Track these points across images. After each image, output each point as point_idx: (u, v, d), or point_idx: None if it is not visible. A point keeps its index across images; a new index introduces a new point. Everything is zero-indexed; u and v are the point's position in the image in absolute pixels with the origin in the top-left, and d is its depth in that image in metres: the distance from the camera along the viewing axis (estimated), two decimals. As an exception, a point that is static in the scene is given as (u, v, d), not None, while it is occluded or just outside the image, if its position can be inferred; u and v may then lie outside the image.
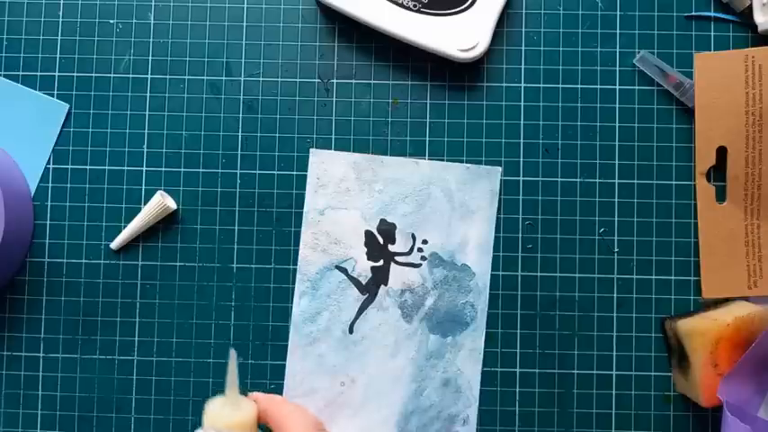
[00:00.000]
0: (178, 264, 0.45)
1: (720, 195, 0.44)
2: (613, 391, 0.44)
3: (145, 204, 0.44)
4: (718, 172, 0.44)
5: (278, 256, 0.45)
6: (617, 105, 0.45)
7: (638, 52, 0.45)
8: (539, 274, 0.44)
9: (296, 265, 0.44)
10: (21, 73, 0.45)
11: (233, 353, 0.39)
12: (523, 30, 0.45)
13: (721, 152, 0.44)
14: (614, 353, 0.44)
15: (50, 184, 0.45)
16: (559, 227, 0.45)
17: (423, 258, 0.44)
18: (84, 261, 0.45)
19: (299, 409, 0.39)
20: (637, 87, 0.45)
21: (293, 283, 0.44)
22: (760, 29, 0.44)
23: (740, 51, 0.43)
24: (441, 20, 0.43)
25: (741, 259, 0.43)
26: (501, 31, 0.45)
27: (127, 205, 0.45)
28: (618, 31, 0.45)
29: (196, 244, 0.45)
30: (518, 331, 0.44)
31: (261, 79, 0.45)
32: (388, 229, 0.44)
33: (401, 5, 0.43)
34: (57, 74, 0.45)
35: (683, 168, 0.45)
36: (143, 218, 0.44)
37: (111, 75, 0.45)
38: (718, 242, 0.44)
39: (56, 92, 0.45)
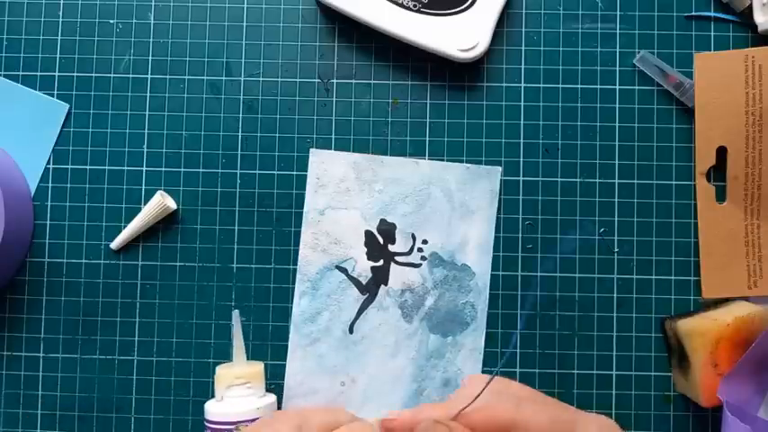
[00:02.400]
0: (178, 264, 0.45)
1: (720, 195, 0.44)
2: (613, 391, 0.44)
3: (145, 204, 0.44)
4: (718, 172, 0.44)
5: (278, 256, 0.45)
6: (617, 105, 0.45)
7: (638, 52, 0.45)
8: (539, 274, 0.44)
9: (296, 265, 0.44)
10: (21, 73, 0.45)
11: (236, 315, 0.40)
12: (523, 30, 0.45)
13: (721, 152, 0.44)
14: (614, 353, 0.44)
15: (50, 184, 0.45)
16: (559, 227, 0.45)
17: (423, 258, 0.44)
18: (84, 261, 0.45)
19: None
20: (637, 87, 0.45)
21: (293, 283, 0.44)
22: (760, 29, 0.44)
23: (740, 51, 0.43)
24: (441, 20, 0.43)
25: (741, 259, 0.43)
26: (501, 31, 0.45)
27: (127, 205, 0.45)
28: (618, 31, 0.45)
29: (196, 244, 0.45)
30: (518, 331, 0.44)
31: (261, 79, 0.45)
32: (388, 229, 0.44)
33: (401, 5, 0.43)
34: (57, 74, 0.45)
35: (683, 168, 0.45)
36: (143, 218, 0.44)
37: (111, 75, 0.45)
38: (718, 242, 0.44)
39: (56, 92, 0.45)
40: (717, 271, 0.44)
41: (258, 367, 0.42)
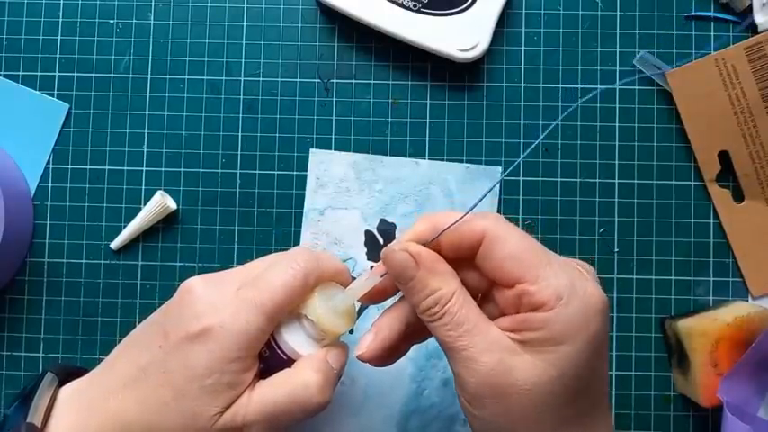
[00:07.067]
0: (178, 264, 0.45)
1: (737, 195, 0.44)
2: (613, 391, 0.44)
3: (145, 204, 0.44)
4: (726, 173, 0.44)
5: (278, 256, 0.45)
6: (617, 105, 0.45)
7: (638, 52, 0.45)
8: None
9: (296, 265, 0.44)
10: (21, 73, 0.45)
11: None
12: (523, 30, 0.45)
13: (723, 155, 0.44)
14: (614, 353, 0.44)
15: (50, 184, 0.45)
16: (559, 227, 0.44)
17: (423, 258, 0.44)
18: (84, 261, 0.45)
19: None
20: (637, 87, 0.45)
21: (293, 283, 0.44)
22: (760, 29, 0.44)
23: (708, 57, 0.43)
24: (441, 20, 0.43)
25: None
26: (501, 31, 0.45)
27: (127, 205, 0.45)
28: (618, 31, 0.45)
29: (196, 244, 0.45)
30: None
31: (261, 79, 0.45)
32: (388, 229, 0.44)
33: (401, 5, 0.43)
34: (57, 74, 0.45)
35: (683, 168, 0.45)
36: (143, 218, 0.44)
37: (111, 75, 0.45)
38: (749, 241, 0.43)
39: (56, 92, 0.45)
40: (758, 269, 0.43)
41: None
